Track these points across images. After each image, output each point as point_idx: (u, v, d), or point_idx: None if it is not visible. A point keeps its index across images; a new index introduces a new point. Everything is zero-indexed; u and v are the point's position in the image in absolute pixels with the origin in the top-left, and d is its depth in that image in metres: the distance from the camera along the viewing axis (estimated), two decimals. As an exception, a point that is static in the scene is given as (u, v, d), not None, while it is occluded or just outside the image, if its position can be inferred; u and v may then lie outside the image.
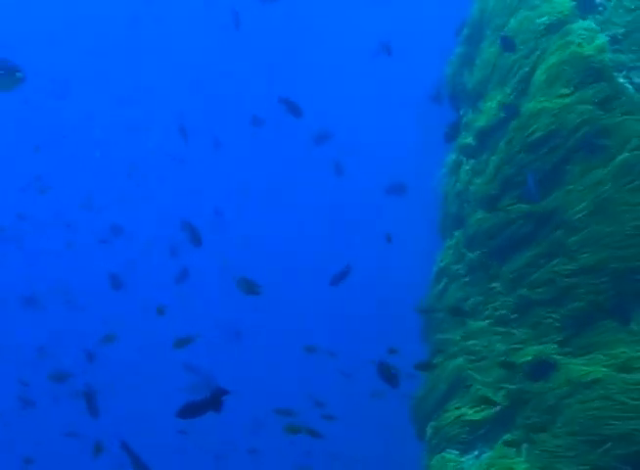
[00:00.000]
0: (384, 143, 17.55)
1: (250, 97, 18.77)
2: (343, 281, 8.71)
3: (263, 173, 19.47)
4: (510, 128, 7.98)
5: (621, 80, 7.42)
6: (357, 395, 14.20)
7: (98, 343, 15.05)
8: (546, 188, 7.58)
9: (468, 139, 8.99)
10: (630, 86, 7.42)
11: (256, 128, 15.45)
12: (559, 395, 7.01)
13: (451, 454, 7.89)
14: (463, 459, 7.77)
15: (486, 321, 8.18)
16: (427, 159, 11.23)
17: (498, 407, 7.60)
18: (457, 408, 8.05)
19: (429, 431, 8.39)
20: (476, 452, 7.72)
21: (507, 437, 7.42)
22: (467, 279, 8.71)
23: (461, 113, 9.44)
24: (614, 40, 7.55)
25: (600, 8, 7.80)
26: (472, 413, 7.86)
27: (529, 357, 7.41)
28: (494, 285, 8.19)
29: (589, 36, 7.54)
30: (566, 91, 7.45)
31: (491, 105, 8.42)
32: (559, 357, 7.21)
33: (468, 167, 8.79)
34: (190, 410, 6.06)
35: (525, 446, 7.21)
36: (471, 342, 8.29)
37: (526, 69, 8.06)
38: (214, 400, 5.97)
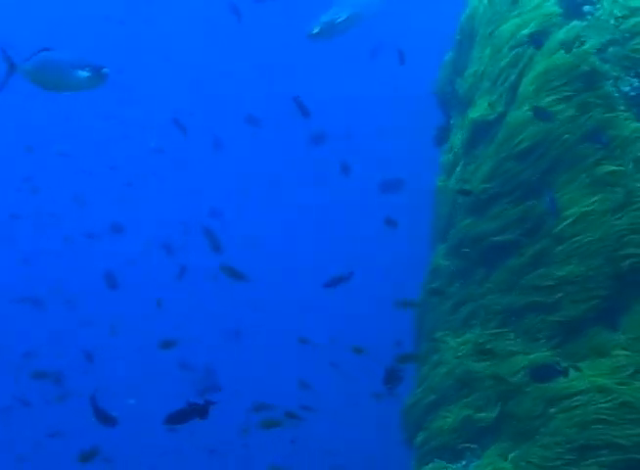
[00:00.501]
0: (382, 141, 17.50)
1: (248, 96, 18.73)
2: (340, 284, 8.68)
3: (262, 172, 19.47)
4: (497, 137, 7.99)
5: (609, 88, 7.42)
6: (357, 394, 14.25)
7: (96, 342, 15.23)
8: (534, 196, 7.60)
9: (457, 144, 8.98)
10: (617, 94, 7.41)
11: (254, 127, 15.46)
12: (546, 404, 7.04)
13: (439, 463, 7.90)
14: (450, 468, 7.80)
15: (476, 328, 8.21)
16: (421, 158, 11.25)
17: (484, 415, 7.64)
18: (446, 417, 8.05)
19: (418, 439, 8.39)
20: (464, 462, 7.74)
21: (495, 446, 7.44)
22: (457, 285, 8.74)
23: (451, 120, 9.44)
24: (601, 48, 7.53)
25: (588, 16, 7.78)
26: (460, 423, 7.85)
27: (520, 365, 7.43)
28: (482, 291, 8.20)
29: (576, 43, 7.54)
30: (551, 98, 7.44)
31: (478, 112, 8.42)
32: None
33: (458, 171, 8.79)
34: (177, 417, 6.20)
35: (512, 455, 7.23)
36: (461, 348, 8.29)
37: (514, 76, 8.05)
38: (201, 409, 6.09)
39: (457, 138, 9.00)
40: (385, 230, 10.60)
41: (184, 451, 15.92)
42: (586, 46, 7.48)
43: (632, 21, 7.43)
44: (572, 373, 6.83)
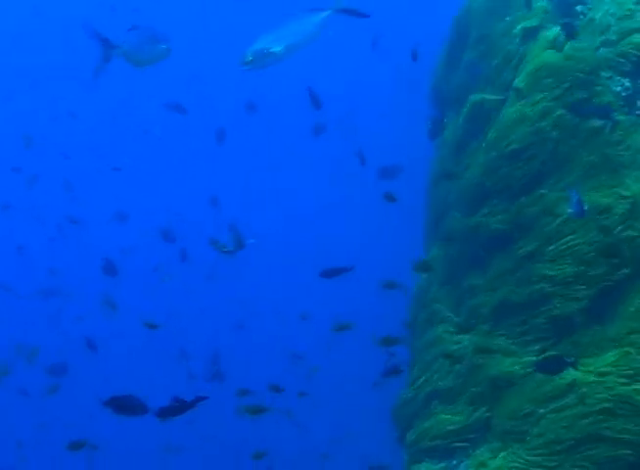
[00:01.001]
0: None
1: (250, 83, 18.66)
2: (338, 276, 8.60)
3: (262, 164, 19.53)
4: (488, 137, 8.01)
5: (599, 88, 7.42)
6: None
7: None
8: (525, 196, 7.64)
9: (450, 141, 9.00)
10: (610, 94, 7.41)
11: (254, 115, 15.40)
12: (535, 403, 7.05)
13: (430, 463, 7.92)
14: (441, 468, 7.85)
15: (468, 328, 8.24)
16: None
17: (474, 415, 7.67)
18: (436, 417, 8.04)
19: (409, 437, 8.38)
20: (454, 462, 7.74)
21: (485, 446, 7.45)
22: (447, 286, 8.79)
23: (445, 119, 9.43)
24: (593, 48, 7.52)
25: (581, 16, 7.77)
26: (451, 422, 7.86)
27: (512, 365, 7.47)
28: (473, 290, 8.24)
29: (565, 42, 7.52)
30: (541, 97, 7.45)
31: (471, 109, 8.42)
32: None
33: (449, 167, 8.82)
34: (169, 412, 6.27)
35: (502, 454, 7.24)
36: (453, 347, 8.32)
37: (506, 74, 8.06)
38: (192, 404, 6.15)
39: (450, 134, 9.02)
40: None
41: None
42: (578, 46, 7.46)
43: (625, 22, 7.42)
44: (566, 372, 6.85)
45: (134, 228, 17.85)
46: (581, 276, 7.11)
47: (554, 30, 7.71)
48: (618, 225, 7.00)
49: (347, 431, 15.34)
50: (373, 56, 16.64)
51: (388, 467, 9.37)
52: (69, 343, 16.09)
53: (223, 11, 20.04)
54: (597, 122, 7.22)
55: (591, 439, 6.51)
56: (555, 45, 7.57)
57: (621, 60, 7.40)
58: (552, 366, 6.88)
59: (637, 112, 7.37)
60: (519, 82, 7.78)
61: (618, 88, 7.42)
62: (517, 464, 6.96)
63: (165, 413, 6.21)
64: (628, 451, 6.28)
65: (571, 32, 7.46)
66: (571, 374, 6.84)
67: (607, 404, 6.52)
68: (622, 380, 6.57)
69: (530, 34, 7.74)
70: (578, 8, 7.78)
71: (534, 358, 7.27)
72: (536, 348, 7.40)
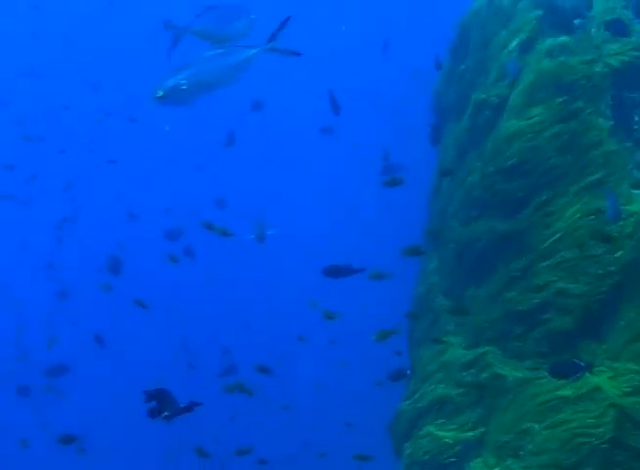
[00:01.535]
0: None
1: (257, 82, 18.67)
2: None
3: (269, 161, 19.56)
4: (486, 149, 8.05)
5: (597, 103, 7.45)
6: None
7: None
8: (520, 211, 7.68)
9: (450, 151, 9.06)
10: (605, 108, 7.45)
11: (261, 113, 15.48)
12: (530, 417, 7.05)
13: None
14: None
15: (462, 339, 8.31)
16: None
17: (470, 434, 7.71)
18: (431, 430, 8.06)
19: (405, 450, 8.37)
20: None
21: (479, 460, 7.43)
22: (448, 297, 8.85)
23: (445, 127, 9.48)
24: (590, 62, 7.55)
25: (579, 30, 7.80)
26: (445, 436, 7.88)
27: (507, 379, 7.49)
28: (470, 304, 8.28)
29: (562, 54, 7.57)
30: (538, 111, 7.49)
31: (470, 121, 8.48)
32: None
33: (447, 183, 8.86)
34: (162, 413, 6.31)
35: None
36: (447, 358, 8.39)
37: (504, 87, 8.10)
38: (187, 409, 6.21)
39: (450, 145, 9.07)
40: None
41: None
42: (575, 59, 7.52)
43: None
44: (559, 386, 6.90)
45: (140, 226, 17.94)
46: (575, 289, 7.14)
47: (551, 44, 7.74)
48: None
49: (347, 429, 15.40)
50: (382, 59, 16.69)
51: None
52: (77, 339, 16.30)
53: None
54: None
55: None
56: (552, 59, 7.61)
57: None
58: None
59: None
60: (515, 95, 7.81)
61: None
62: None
63: (156, 414, 6.23)
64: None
65: (567, 44, 7.49)
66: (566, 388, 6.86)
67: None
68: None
69: (527, 46, 7.78)
70: (577, 22, 7.81)
71: (531, 372, 7.32)
72: (534, 360, 7.41)
